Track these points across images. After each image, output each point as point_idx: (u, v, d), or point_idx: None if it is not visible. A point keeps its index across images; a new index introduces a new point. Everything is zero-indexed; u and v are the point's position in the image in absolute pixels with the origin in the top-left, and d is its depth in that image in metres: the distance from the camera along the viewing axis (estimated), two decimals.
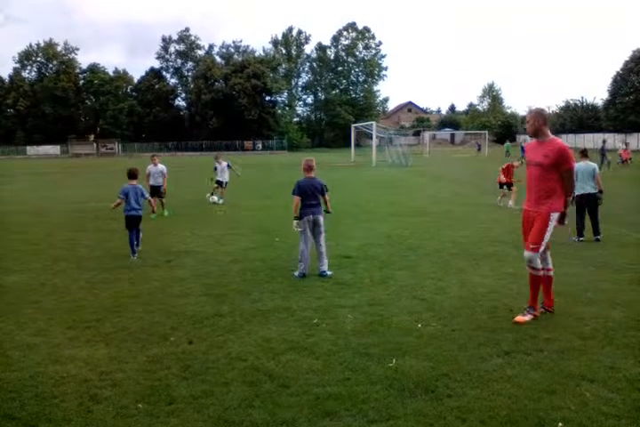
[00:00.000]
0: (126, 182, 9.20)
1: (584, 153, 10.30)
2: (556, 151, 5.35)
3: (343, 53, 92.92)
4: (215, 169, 16.92)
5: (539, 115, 5.53)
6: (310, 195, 7.51)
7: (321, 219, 7.56)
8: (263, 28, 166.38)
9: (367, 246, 9.45)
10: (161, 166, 14.22)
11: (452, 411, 3.63)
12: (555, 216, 5.43)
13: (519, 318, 5.38)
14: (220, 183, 16.86)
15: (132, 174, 9.28)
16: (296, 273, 7.48)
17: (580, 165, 10.01)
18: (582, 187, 9.93)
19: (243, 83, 78.61)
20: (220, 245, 9.90)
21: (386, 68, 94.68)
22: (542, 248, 5.44)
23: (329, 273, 7.46)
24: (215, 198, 16.64)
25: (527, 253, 5.47)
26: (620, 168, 30.95)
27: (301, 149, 78.24)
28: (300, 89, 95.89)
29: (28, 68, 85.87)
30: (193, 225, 12.37)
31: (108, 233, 11.13)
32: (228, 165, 16.96)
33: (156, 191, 13.93)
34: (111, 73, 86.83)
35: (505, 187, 15.30)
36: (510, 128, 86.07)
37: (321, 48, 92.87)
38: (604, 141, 33.75)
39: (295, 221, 7.48)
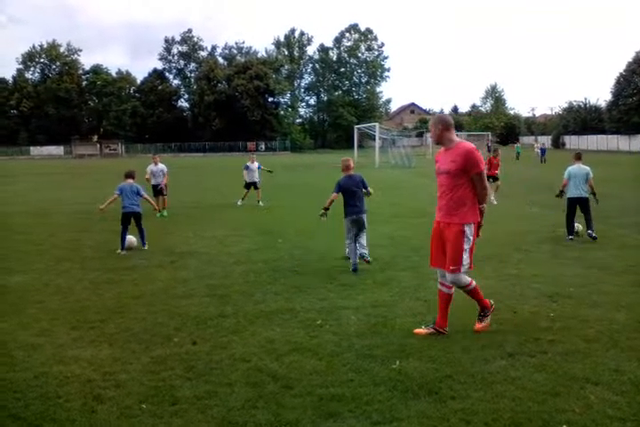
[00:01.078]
0: (124, 182, 9.57)
1: (578, 156, 10.40)
2: (462, 155, 4.88)
3: (345, 55, 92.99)
4: (247, 168, 16.49)
5: (437, 121, 5.11)
6: (352, 193, 7.88)
7: (364, 217, 8.00)
8: (266, 29, 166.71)
9: (370, 247, 9.39)
10: (161, 166, 14.62)
11: (455, 413, 3.62)
12: (471, 229, 4.94)
13: (478, 325, 5.16)
14: (252, 185, 16.38)
15: (129, 175, 9.65)
16: (351, 268, 7.74)
17: (573, 168, 10.11)
18: (574, 190, 10.02)
19: (245, 84, 78.70)
20: (224, 246, 9.91)
21: (388, 70, 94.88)
22: (466, 267, 4.96)
23: (368, 257, 7.98)
24: (240, 203, 16.13)
25: (449, 276, 5.03)
26: None
27: (304, 151, 78.31)
28: (302, 90, 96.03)
29: (32, 69, 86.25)
30: (196, 226, 12.39)
31: (112, 234, 11.11)
32: (259, 167, 16.62)
33: (158, 191, 14.31)
34: (114, 74, 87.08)
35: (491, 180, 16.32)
36: (514, 129, 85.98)
37: (323, 49, 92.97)
38: None
39: (322, 211, 8.07)
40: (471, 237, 4.95)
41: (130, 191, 9.40)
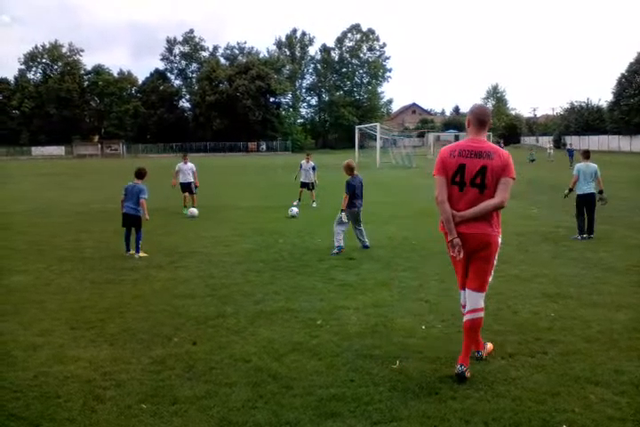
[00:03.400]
0: (131, 181, 9.36)
1: (586, 155, 10.55)
2: None
3: (347, 55, 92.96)
4: (300, 167, 16.32)
5: None
6: (360, 190, 9.37)
7: (360, 211, 9.45)
8: (267, 29, 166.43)
9: (371, 248, 9.44)
10: (190, 164, 14.93)
11: (455, 413, 3.62)
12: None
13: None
14: (305, 185, 16.11)
15: (138, 173, 9.37)
16: (334, 251, 9.00)
17: (581, 166, 10.27)
18: (584, 187, 10.20)
19: (247, 84, 78.70)
20: (224, 246, 9.91)
21: (390, 70, 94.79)
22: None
23: (368, 244, 9.44)
24: (295, 211, 14.14)
25: None
26: None
27: (305, 151, 78.32)
28: (303, 90, 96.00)
29: (33, 69, 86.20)
30: (196, 226, 12.39)
31: (113, 234, 11.13)
32: (314, 168, 16.15)
33: (186, 188, 14.90)
34: (116, 74, 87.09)
35: None
36: (515, 130, 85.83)
37: (325, 50, 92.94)
38: None
39: (343, 213, 9.20)
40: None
41: (131, 193, 9.15)
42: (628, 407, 3.65)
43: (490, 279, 4.31)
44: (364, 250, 9.27)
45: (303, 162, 16.32)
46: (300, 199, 15.96)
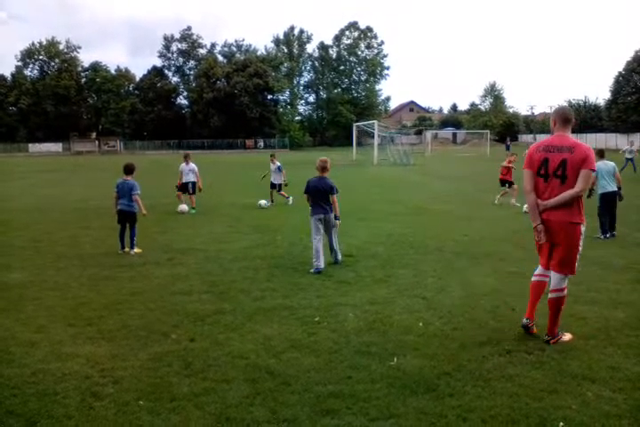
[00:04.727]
0: (121, 177, 9.35)
1: (601, 153, 10.55)
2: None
3: (345, 53, 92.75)
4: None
5: None
6: (319, 194, 7.77)
7: (331, 217, 7.83)
8: (265, 27, 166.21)
9: (368, 245, 9.45)
10: (192, 165, 14.64)
11: (453, 410, 3.63)
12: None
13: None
14: (273, 186, 16.06)
15: (126, 169, 9.38)
16: (312, 270, 7.56)
17: (599, 165, 10.19)
18: (605, 186, 10.21)
19: (244, 81, 78.52)
20: (222, 243, 9.90)
21: (388, 68, 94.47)
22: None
23: (340, 260, 8.02)
24: (263, 203, 15.14)
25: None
26: None
27: (303, 148, 78.26)
28: (301, 88, 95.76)
29: (31, 66, 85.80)
30: (194, 223, 12.38)
31: (111, 231, 11.10)
32: (279, 168, 15.99)
33: (185, 188, 14.60)
34: (113, 71, 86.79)
35: (506, 185, 15.41)
36: (512, 128, 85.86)
37: (323, 47, 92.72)
38: None
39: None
40: None
41: (122, 190, 9.17)
42: (625, 404, 3.67)
43: (576, 263, 4.87)
44: (363, 247, 9.25)
45: (271, 164, 16.22)
46: (272, 200, 15.87)
